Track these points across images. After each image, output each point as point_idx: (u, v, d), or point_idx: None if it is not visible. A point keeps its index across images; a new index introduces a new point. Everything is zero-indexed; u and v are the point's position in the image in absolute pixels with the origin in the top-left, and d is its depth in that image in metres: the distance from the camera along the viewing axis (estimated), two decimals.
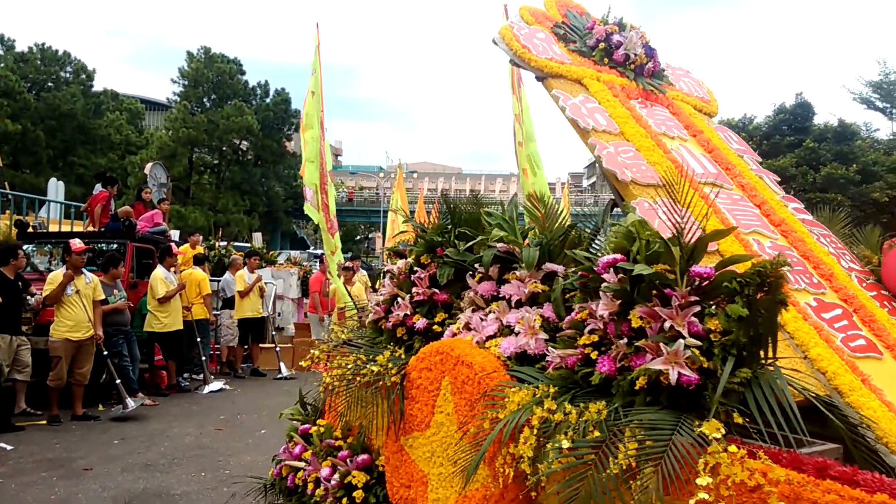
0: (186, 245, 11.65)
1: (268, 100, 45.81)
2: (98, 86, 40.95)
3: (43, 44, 38.56)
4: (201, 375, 9.78)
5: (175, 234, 12.64)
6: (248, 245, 17.58)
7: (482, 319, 3.01)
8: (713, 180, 3.87)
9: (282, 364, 10.80)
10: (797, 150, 32.62)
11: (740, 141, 4.71)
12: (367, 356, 3.41)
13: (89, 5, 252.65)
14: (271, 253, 16.08)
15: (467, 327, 3.05)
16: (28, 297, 7.88)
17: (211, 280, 11.30)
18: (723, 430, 1.94)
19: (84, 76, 39.35)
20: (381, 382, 3.18)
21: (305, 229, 67.06)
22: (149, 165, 15.34)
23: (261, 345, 11.20)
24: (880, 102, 36.61)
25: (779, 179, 4.48)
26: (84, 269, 7.78)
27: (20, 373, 7.46)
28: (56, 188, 15.51)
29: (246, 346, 11.17)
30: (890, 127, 37.53)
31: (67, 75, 39.08)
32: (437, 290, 3.38)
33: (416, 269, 3.52)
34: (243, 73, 44.53)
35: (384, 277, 3.87)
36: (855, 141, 33.12)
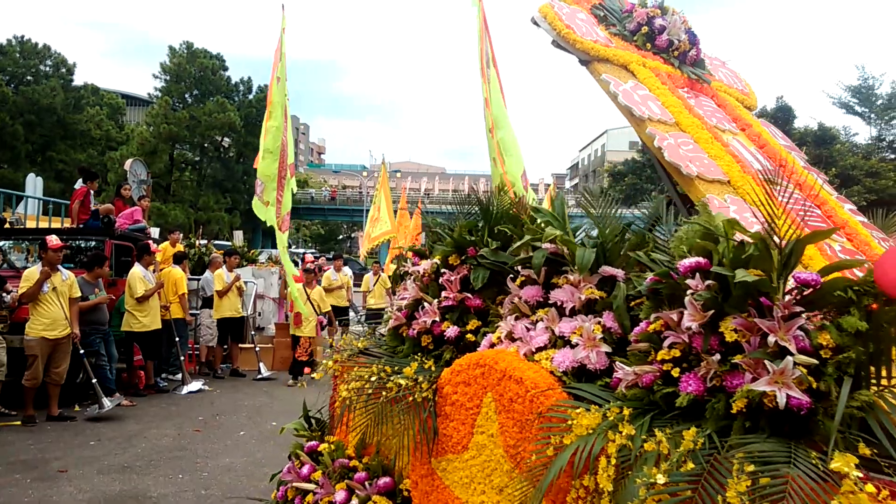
0: (166, 243, 11.52)
1: (251, 96, 45.52)
2: (78, 80, 40.49)
3: (22, 36, 38.15)
4: (179, 376, 9.67)
5: (155, 232, 12.51)
6: (229, 243, 17.43)
7: (528, 328, 2.67)
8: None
9: (261, 364, 10.70)
10: None
11: (785, 136, 4.46)
12: (390, 367, 3.07)
13: None
14: (252, 252, 15.94)
15: (510, 337, 2.70)
16: (3, 295, 7.74)
17: (190, 279, 11.18)
18: (856, 467, 1.62)
19: (64, 70, 38.93)
20: (409, 398, 2.84)
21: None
22: (129, 162, 15.14)
23: (240, 345, 11.09)
24: (859, 107, 37.10)
25: (827, 179, 4.23)
26: (61, 267, 7.66)
27: None
28: (34, 184, 15.29)
29: (225, 346, 11.06)
30: (868, 131, 38.00)
31: (47, 69, 38.65)
32: (469, 295, 3.04)
33: (443, 270, 3.16)
34: (226, 68, 44.23)
35: (404, 280, 3.57)
36: (834, 145, 33.54)
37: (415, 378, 2.88)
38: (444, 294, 3.10)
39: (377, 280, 13.35)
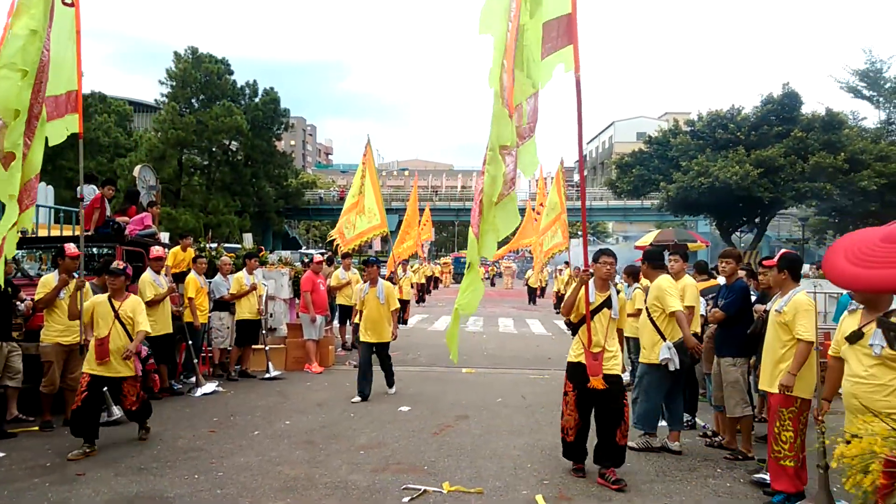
0: (177, 248, 11.61)
1: (256, 99, 45.75)
2: (85, 88, 40.71)
3: None
4: (193, 378, 9.77)
5: (165, 237, 12.60)
6: (239, 246, 17.53)
7: None
8: None
9: (270, 364, 10.79)
10: (785, 140, 32.77)
11: None
12: None
13: None
14: (263, 253, 16.03)
15: None
16: (18, 303, 7.85)
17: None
18: None
19: None
20: None
21: (297, 229, 66.88)
22: (138, 168, 15.25)
23: (253, 346, 11.18)
24: (867, 91, 36.83)
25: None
26: (76, 274, 7.75)
27: (12, 379, 7.42)
28: (45, 193, 15.42)
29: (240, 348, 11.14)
30: (877, 115, 37.70)
31: None
32: None
33: None
34: (231, 72, 44.46)
35: None
36: (843, 130, 33.29)
37: None
38: None
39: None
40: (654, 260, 7.52)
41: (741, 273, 7.32)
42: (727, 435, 6.95)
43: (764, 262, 7.03)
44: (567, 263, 21.75)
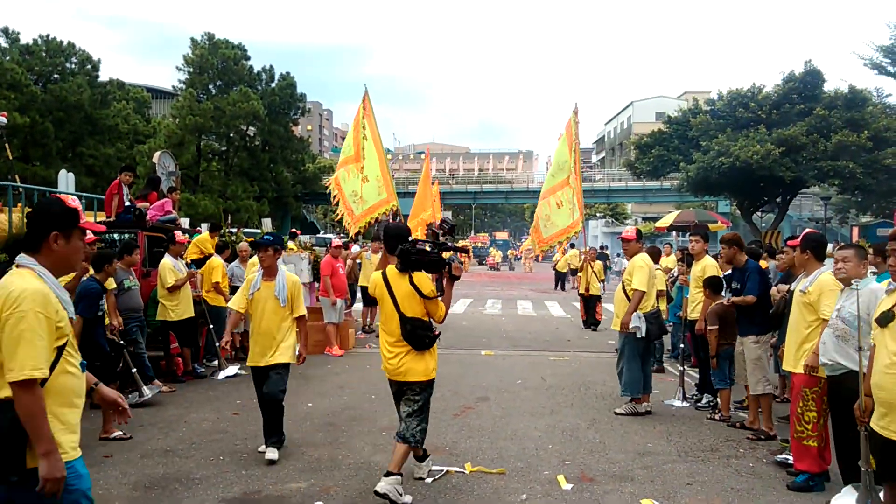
0: (206, 235, 11.69)
1: (273, 84, 45.77)
2: (103, 76, 40.95)
3: (47, 35, 38.60)
4: (216, 361, 9.87)
5: (185, 222, 12.68)
6: (259, 231, 17.62)
7: None
8: None
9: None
10: (807, 118, 32.25)
11: None
12: None
13: None
14: (296, 237, 16.14)
15: None
16: None
17: None
18: None
19: (89, 66, 39.37)
20: None
21: (315, 213, 67.15)
22: (157, 154, 15.37)
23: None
24: (891, 67, 36.05)
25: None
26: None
27: None
28: (66, 180, 15.57)
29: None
30: None
31: (73, 66, 39.13)
32: None
33: None
34: (248, 58, 44.48)
35: None
36: (866, 107, 32.68)
37: None
38: None
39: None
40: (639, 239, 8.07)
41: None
42: (750, 414, 6.94)
43: (788, 243, 6.97)
44: (572, 245, 20.67)
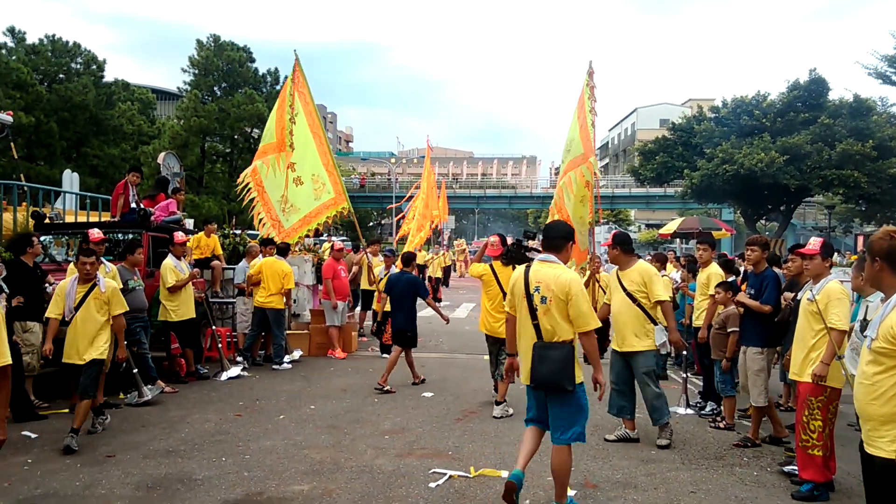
0: (201, 234, 11.72)
1: (278, 87, 45.73)
2: (108, 76, 41.04)
3: (53, 35, 38.69)
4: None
5: (190, 223, 12.72)
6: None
7: None
8: None
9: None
10: (812, 126, 32.25)
11: None
12: None
13: None
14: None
15: None
16: (46, 286, 7.95)
17: (225, 268, 11.53)
18: None
19: (94, 67, 39.43)
20: None
21: None
22: (161, 155, 15.42)
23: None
24: None
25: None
26: (103, 258, 7.84)
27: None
28: (71, 179, 15.63)
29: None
30: None
31: (78, 66, 39.18)
32: None
33: None
34: (253, 60, 44.49)
35: None
36: (871, 116, 32.67)
37: None
38: None
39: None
40: (625, 245, 6.90)
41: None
42: (751, 427, 6.83)
43: (800, 251, 6.87)
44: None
